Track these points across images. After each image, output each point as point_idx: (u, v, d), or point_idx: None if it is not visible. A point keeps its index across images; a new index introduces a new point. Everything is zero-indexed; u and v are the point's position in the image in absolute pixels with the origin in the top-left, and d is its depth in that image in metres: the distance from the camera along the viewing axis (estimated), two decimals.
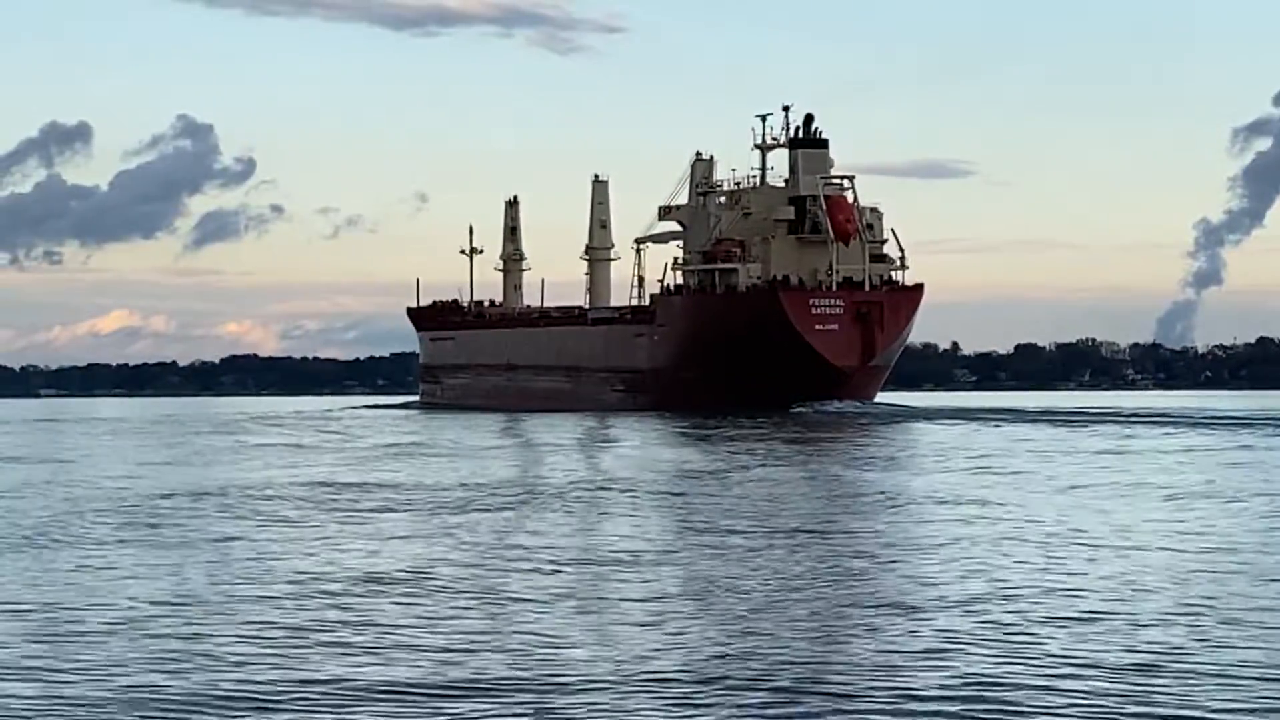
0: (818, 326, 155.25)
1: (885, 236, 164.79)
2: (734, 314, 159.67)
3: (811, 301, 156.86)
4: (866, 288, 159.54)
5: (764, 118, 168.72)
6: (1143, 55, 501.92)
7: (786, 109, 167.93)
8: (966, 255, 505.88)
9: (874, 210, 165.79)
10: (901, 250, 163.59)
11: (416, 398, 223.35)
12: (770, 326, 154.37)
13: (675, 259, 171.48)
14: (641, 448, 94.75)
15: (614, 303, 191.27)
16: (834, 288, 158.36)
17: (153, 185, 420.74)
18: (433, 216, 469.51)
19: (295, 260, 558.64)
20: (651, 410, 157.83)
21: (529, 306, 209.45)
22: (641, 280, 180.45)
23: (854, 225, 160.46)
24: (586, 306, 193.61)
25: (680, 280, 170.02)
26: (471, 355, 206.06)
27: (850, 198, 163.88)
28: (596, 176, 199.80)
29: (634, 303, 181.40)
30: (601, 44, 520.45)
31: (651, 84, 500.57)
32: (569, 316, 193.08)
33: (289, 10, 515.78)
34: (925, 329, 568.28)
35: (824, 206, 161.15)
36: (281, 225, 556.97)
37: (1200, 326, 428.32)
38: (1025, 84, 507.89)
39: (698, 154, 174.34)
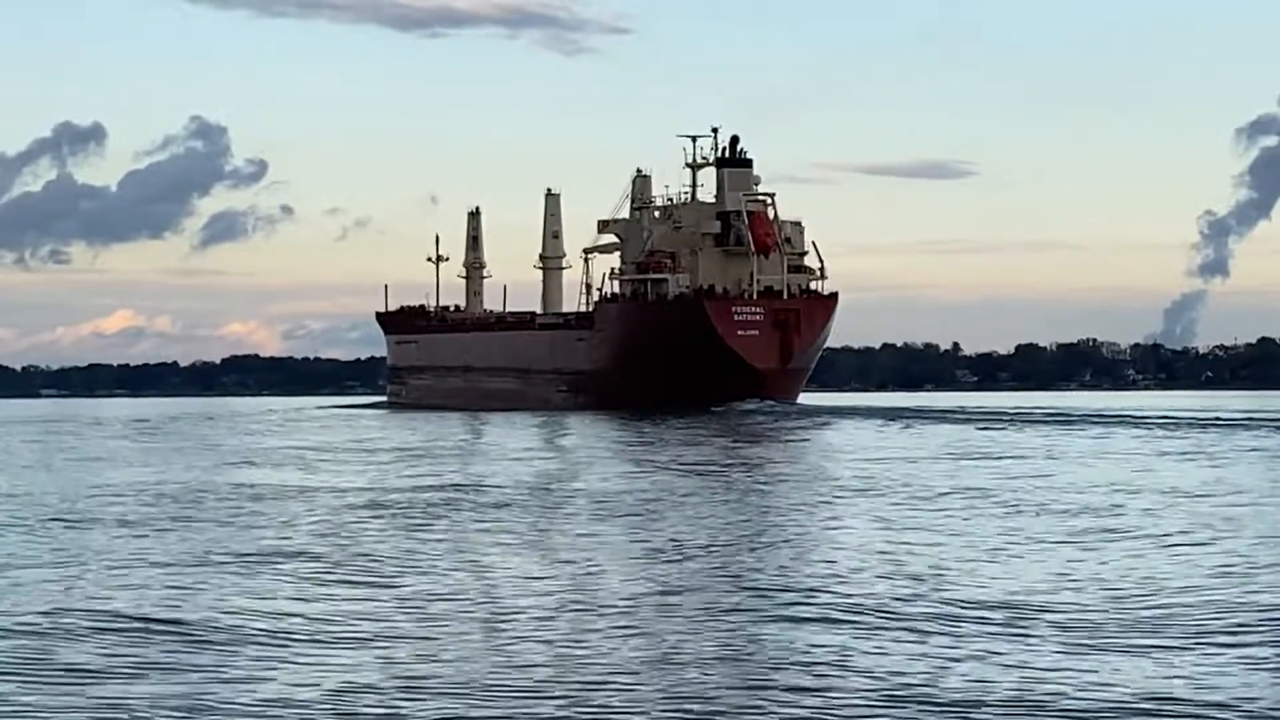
0: (739, 332, 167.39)
1: (805, 249, 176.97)
2: (664, 320, 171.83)
3: (734, 309, 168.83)
4: (785, 296, 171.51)
5: (694, 139, 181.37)
6: (1144, 55, 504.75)
7: (715, 130, 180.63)
8: (967, 255, 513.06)
9: (795, 224, 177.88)
10: (821, 261, 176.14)
11: (384, 398, 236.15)
12: (696, 332, 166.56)
13: (613, 269, 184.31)
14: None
15: (567, 308, 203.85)
16: (755, 296, 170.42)
17: (162, 185, 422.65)
18: (443, 218, 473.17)
19: (301, 261, 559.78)
20: (590, 409, 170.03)
21: (488, 311, 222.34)
22: (589, 288, 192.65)
23: (773, 239, 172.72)
24: (540, 312, 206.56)
25: (617, 289, 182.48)
26: (433, 358, 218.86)
27: (771, 213, 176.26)
28: (549, 190, 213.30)
29: (581, 309, 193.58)
30: (608, 45, 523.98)
31: (650, 86, 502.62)
32: (520, 322, 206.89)
33: (296, 11, 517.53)
34: (926, 329, 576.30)
35: (745, 221, 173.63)
36: (290, 226, 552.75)
37: (1202, 325, 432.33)
38: (1026, 84, 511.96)
39: (638, 170, 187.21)
